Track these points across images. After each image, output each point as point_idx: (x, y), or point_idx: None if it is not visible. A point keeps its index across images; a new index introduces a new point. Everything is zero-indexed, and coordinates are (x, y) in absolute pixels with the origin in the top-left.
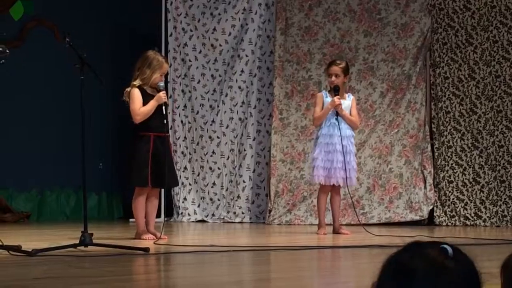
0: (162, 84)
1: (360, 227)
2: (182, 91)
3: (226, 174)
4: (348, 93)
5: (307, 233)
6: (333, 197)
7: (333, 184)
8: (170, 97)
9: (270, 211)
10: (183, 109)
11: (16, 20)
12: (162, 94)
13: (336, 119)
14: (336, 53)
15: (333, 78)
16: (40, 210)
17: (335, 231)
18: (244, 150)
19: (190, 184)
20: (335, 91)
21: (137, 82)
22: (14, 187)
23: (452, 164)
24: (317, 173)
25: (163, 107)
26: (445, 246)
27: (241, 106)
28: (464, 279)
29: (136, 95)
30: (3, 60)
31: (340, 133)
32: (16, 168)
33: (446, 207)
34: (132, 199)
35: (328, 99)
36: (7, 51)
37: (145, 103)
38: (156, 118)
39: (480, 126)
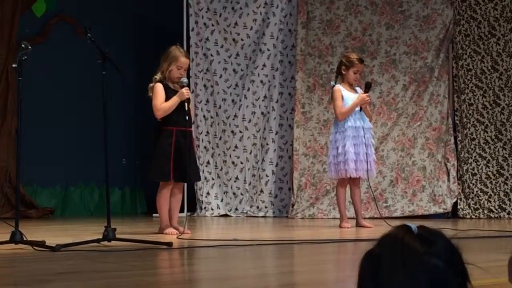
0: (185, 80)
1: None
2: (204, 85)
3: (249, 169)
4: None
5: (330, 226)
6: (353, 190)
7: (350, 177)
8: (192, 92)
9: (293, 205)
10: (205, 104)
11: (38, 16)
12: (185, 90)
13: (360, 111)
14: (358, 46)
15: (359, 76)
16: (64, 205)
17: (358, 225)
18: (267, 144)
19: (213, 179)
20: (367, 87)
21: (158, 76)
22: (38, 183)
23: (475, 156)
24: (348, 167)
25: (186, 103)
26: (409, 224)
27: (263, 100)
28: (434, 252)
29: (158, 90)
30: (26, 56)
31: (364, 125)
32: (40, 164)
33: (470, 199)
34: (155, 193)
35: (346, 93)
36: (29, 47)
37: (167, 98)
38: (179, 113)
39: (504, 118)
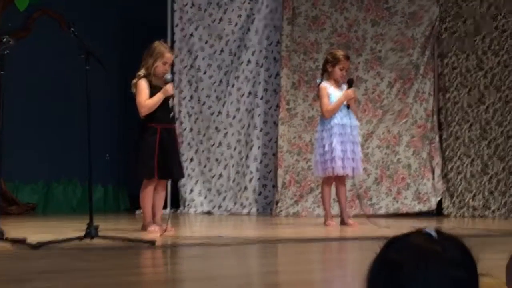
0: (169, 76)
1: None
2: (189, 82)
3: (233, 165)
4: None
5: (315, 224)
6: (339, 188)
7: (337, 175)
8: (177, 88)
9: (277, 202)
10: (189, 100)
11: (21, 10)
12: (169, 86)
13: (347, 108)
14: (344, 43)
15: (345, 72)
16: (46, 202)
17: (343, 222)
18: (251, 141)
19: (196, 176)
20: (350, 83)
21: (142, 72)
22: (20, 179)
23: (460, 154)
24: (335, 164)
25: (170, 99)
26: (428, 230)
27: (248, 97)
28: (455, 260)
29: (142, 87)
30: (8, 51)
31: (350, 123)
32: (22, 160)
33: (455, 198)
34: (139, 190)
35: (332, 90)
36: (11, 41)
37: (151, 94)
38: (163, 110)
39: (489, 117)
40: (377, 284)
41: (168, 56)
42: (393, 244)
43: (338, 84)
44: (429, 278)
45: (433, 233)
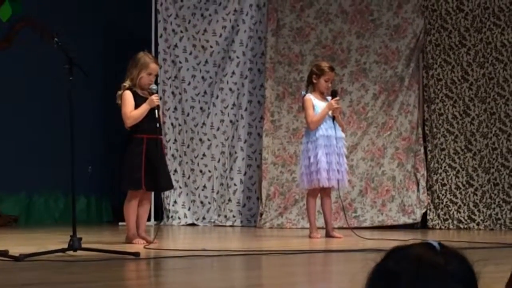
0: (155, 87)
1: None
2: (173, 93)
3: (217, 177)
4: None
5: (299, 236)
6: (324, 200)
7: (322, 187)
8: (161, 98)
9: (261, 214)
10: (173, 111)
11: (4, 21)
12: (154, 97)
13: (333, 120)
14: (328, 55)
15: (330, 84)
16: (28, 213)
17: (328, 235)
18: (235, 152)
19: (180, 187)
20: (333, 95)
21: (127, 83)
22: (1, 190)
23: (445, 166)
24: (321, 176)
25: (156, 110)
26: (431, 241)
27: (232, 108)
28: (457, 275)
29: (127, 98)
30: None
31: (335, 134)
32: (4, 171)
33: (440, 210)
34: (122, 202)
35: (317, 102)
36: None
37: (137, 106)
38: (149, 120)
39: (474, 128)
40: None
41: (153, 67)
42: (393, 254)
43: (323, 96)
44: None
45: (436, 245)
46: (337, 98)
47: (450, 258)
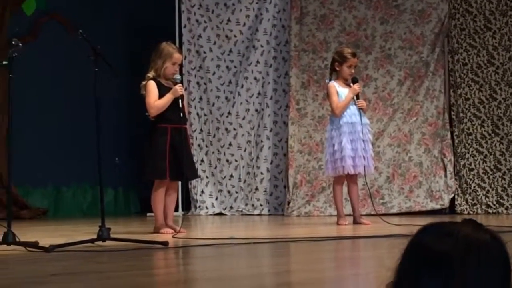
0: (179, 77)
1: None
2: (197, 83)
3: (243, 166)
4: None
5: (327, 224)
6: (351, 187)
7: (348, 173)
8: (186, 89)
9: (288, 202)
10: (198, 102)
11: (28, 15)
12: (178, 87)
13: (357, 107)
14: (353, 42)
15: (353, 70)
16: (56, 206)
17: (356, 222)
18: (261, 141)
19: (207, 177)
20: (354, 81)
21: (151, 74)
22: (30, 184)
23: (472, 151)
24: (346, 163)
25: (180, 100)
26: (471, 218)
27: (257, 97)
28: (500, 251)
29: (151, 88)
30: (16, 53)
31: (361, 121)
32: (32, 165)
33: (467, 195)
34: (149, 193)
35: (340, 89)
36: (20, 44)
37: (161, 95)
38: (173, 110)
39: (501, 113)
40: (417, 276)
41: (177, 56)
42: (432, 233)
43: (347, 83)
44: (480, 271)
45: (477, 222)
46: (358, 84)
47: (492, 235)
